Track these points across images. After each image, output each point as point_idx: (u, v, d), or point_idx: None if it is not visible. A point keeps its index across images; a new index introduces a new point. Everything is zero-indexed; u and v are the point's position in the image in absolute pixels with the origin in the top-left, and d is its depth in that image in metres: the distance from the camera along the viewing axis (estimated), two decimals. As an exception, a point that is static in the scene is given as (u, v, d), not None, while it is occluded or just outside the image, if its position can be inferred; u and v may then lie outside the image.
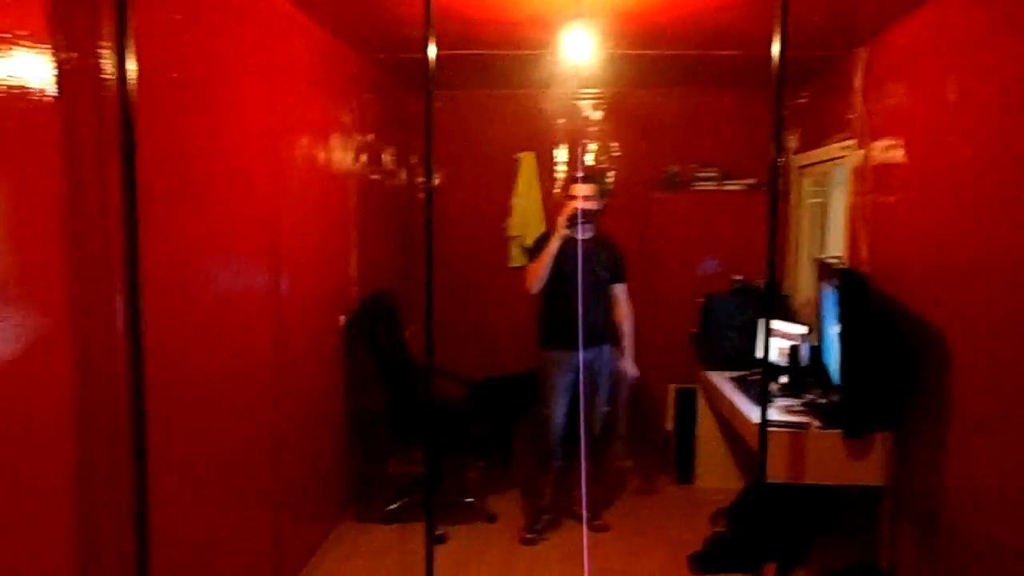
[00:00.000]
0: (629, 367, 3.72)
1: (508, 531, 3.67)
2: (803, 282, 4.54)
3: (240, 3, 2.56)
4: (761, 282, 4.44)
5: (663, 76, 4.51)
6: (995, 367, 2.33)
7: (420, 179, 5.03)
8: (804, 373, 3.48)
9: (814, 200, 4.50)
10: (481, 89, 4.92)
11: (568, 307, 3.34)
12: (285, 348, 2.92)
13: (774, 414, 3.17)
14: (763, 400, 2.04)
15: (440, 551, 3.41)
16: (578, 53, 3.40)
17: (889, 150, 3.12)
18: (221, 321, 2.42)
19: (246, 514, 2.66)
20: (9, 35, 1.49)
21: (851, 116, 3.52)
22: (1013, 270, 2.23)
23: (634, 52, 3.79)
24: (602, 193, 3.54)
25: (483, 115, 5.02)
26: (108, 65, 1.79)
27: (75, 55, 1.69)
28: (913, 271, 2.90)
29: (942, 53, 2.73)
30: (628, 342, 3.72)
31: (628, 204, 4.76)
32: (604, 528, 3.70)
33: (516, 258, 5.02)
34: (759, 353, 3.90)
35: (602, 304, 3.61)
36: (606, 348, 3.62)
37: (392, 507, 3.77)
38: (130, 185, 1.76)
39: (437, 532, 3.54)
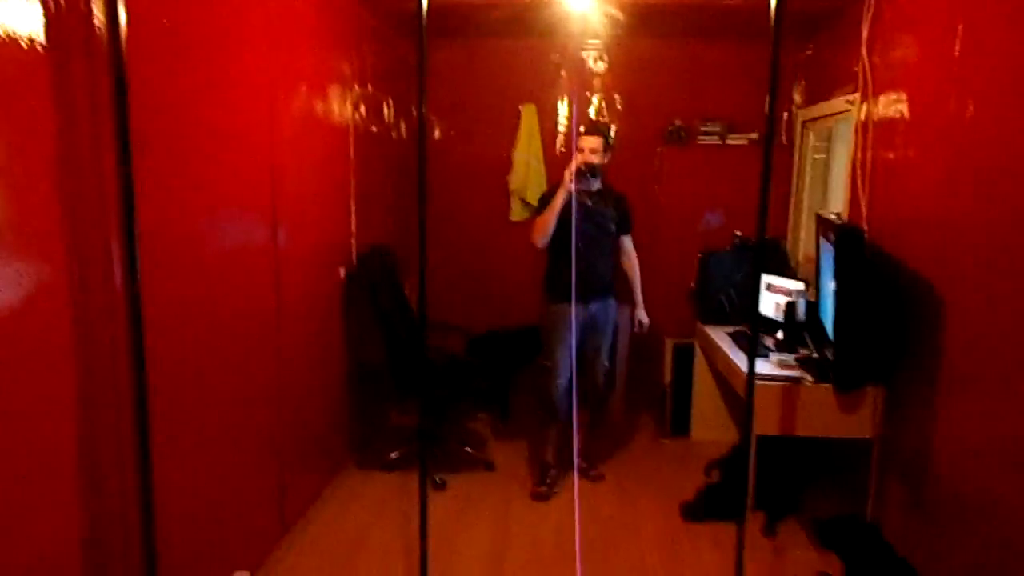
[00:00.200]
0: (640, 315, 3.78)
1: (506, 480, 3.75)
2: (804, 238, 4.54)
3: (233, -51, 2.52)
4: (763, 236, 4.44)
5: (667, 27, 4.43)
6: (987, 324, 2.34)
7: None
8: (800, 328, 3.50)
9: (818, 155, 4.47)
10: (482, 39, 4.84)
11: (574, 260, 3.33)
12: (285, 300, 2.95)
13: (768, 368, 3.21)
14: (751, 353, 2.06)
15: (438, 497, 3.50)
16: (580, 1, 3.33)
17: (892, 104, 3.08)
18: (220, 271, 2.44)
19: (250, 462, 2.73)
20: (-4, -19, 1.48)
21: (856, 69, 3.46)
22: (1010, 229, 2.22)
23: (635, 1, 3.71)
24: (607, 146, 3.50)
25: (484, 66, 4.95)
26: (98, 12, 1.77)
27: (64, 2, 1.67)
28: (911, 228, 2.89)
29: (949, 5, 2.68)
30: (637, 291, 3.76)
31: (631, 158, 4.72)
32: (600, 478, 3.78)
33: (517, 212, 5.01)
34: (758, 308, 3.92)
35: (609, 257, 3.61)
36: (611, 301, 3.64)
37: (392, 455, 3.85)
38: (123, 134, 1.76)
39: (436, 479, 3.63)
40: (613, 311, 3.66)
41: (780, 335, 3.56)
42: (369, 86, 4.10)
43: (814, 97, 4.38)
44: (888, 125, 3.13)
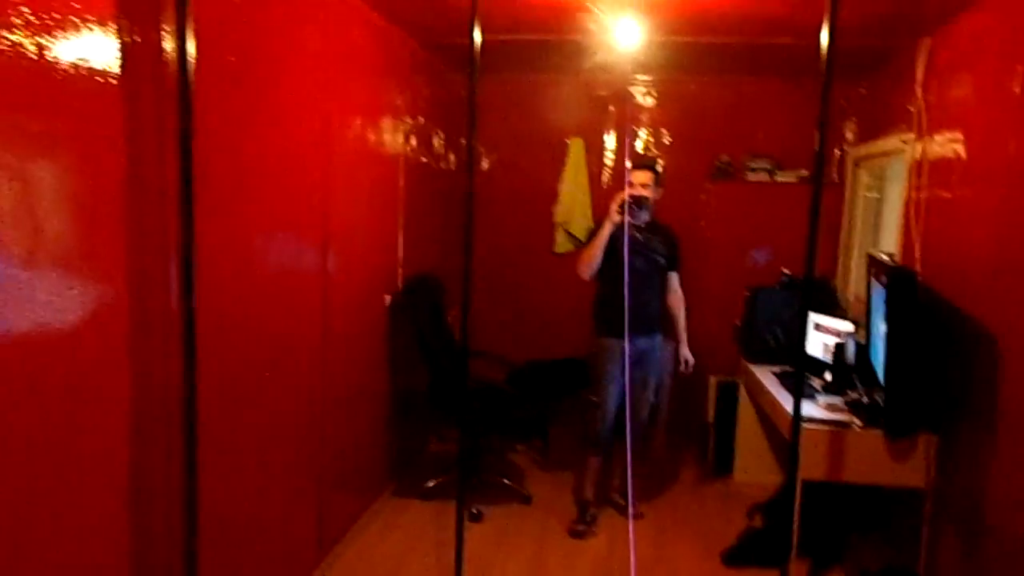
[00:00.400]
0: (685, 354, 3.73)
1: (543, 514, 3.71)
2: (854, 278, 4.44)
3: (296, -13, 2.63)
4: (811, 275, 4.36)
5: (716, 64, 4.44)
6: (1048, 372, 2.25)
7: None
8: (849, 371, 3.41)
9: (870, 194, 4.39)
10: (531, 74, 4.91)
11: (623, 294, 3.31)
12: (331, 325, 3.00)
13: (816, 411, 3.13)
14: (797, 395, 2.02)
15: (475, 529, 3.48)
16: (628, 39, 3.37)
17: (948, 144, 3.02)
18: (271, 297, 2.51)
19: (291, 484, 2.77)
20: (78, 17, 1.57)
21: (911, 108, 3.41)
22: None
23: (686, 39, 3.74)
24: (657, 181, 3.51)
25: (532, 100, 5.02)
26: (169, 46, 1.86)
27: (138, 37, 1.77)
28: (967, 271, 2.81)
29: (1008, 45, 2.63)
30: (682, 329, 3.71)
31: (677, 193, 4.70)
32: (639, 516, 3.71)
33: (561, 244, 5.03)
34: (803, 348, 3.84)
35: (658, 292, 3.59)
36: (659, 337, 3.60)
37: (430, 484, 3.85)
38: (187, 163, 1.84)
39: (473, 510, 3.61)
40: (661, 347, 3.62)
41: (828, 377, 3.47)
42: (420, 118, 4.19)
43: (867, 135, 4.31)
44: (944, 165, 3.06)
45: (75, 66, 1.57)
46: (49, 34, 1.49)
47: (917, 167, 3.31)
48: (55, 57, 1.51)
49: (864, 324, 3.45)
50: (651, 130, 4.98)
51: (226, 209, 2.18)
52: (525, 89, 5.00)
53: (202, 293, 1.96)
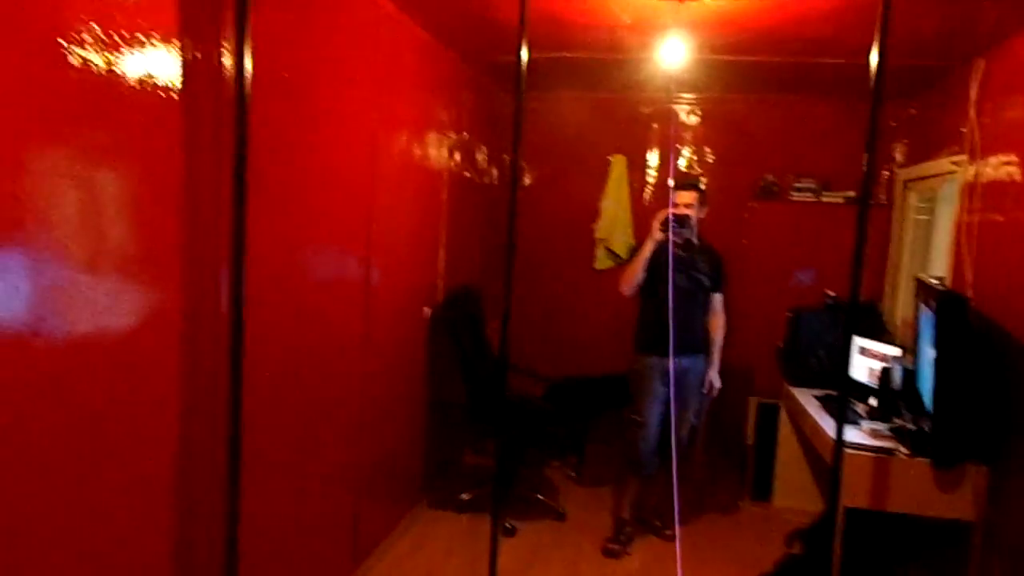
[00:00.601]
0: (713, 377, 3.66)
1: (577, 531, 3.69)
2: (902, 301, 4.33)
3: (347, 4, 2.70)
4: (857, 298, 4.27)
5: (761, 83, 4.41)
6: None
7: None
8: (895, 397, 3.33)
9: (919, 216, 4.29)
10: (575, 91, 4.94)
11: (665, 313, 3.29)
12: (372, 336, 3.05)
13: (860, 437, 3.06)
14: (840, 420, 1.99)
15: (508, 544, 3.48)
16: (674, 59, 3.38)
17: (1002, 167, 2.94)
18: (315, 306, 2.56)
19: (329, 493, 2.81)
20: (144, 34, 1.65)
21: (963, 130, 3.34)
22: None
23: (732, 58, 3.73)
24: (702, 201, 3.49)
25: (576, 117, 5.05)
26: (227, 62, 1.94)
27: (199, 53, 1.84)
28: (1020, 296, 2.73)
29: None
30: (716, 352, 3.65)
31: (721, 212, 4.67)
32: (671, 538, 3.66)
33: (601, 260, 5.02)
34: (847, 372, 3.76)
35: (702, 312, 3.56)
36: (701, 357, 3.57)
37: (465, 497, 3.86)
38: (241, 176, 1.90)
39: (507, 525, 3.61)
40: (703, 368, 3.59)
41: (873, 402, 3.39)
42: (465, 133, 4.25)
43: (917, 157, 4.23)
44: (997, 188, 2.98)
45: (140, 81, 1.64)
46: (117, 50, 1.57)
47: (969, 189, 3.24)
48: (121, 72, 1.59)
49: (911, 349, 3.37)
50: (695, 148, 4.95)
51: (276, 220, 2.25)
52: (569, 106, 5.03)
53: (250, 300, 2.02)
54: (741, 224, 4.75)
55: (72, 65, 1.46)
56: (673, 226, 3.35)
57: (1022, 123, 2.85)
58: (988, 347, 2.69)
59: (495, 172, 4.96)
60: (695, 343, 3.51)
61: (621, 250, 4.86)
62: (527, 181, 5.12)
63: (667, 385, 3.43)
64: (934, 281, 3.23)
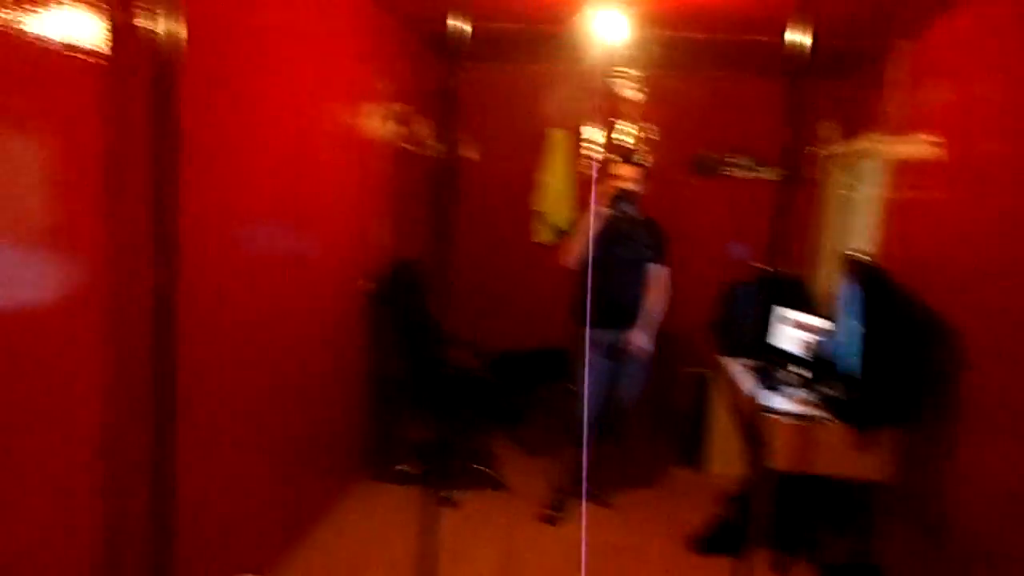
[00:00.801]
0: (635, 337, 3.57)
1: (517, 500, 3.76)
2: (829, 275, 4.52)
3: (283, -31, 2.61)
4: (786, 271, 4.44)
5: (699, 60, 4.48)
6: (1012, 371, 2.33)
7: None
8: (823, 366, 3.48)
9: (845, 193, 4.46)
10: (517, 64, 4.92)
11: (606, 285, 3.32)
12: (311, 309, 3.01)
13: (787, 405, 3.19)
14: (763, 384, 2.07)
15: (448, 514, 3.52)
16: (612, 32, 3.40)
17: (920, 145, 3.08)
18: (250, 280, 2.51)
19: (267, 467, 2.78)
20: (62, -6, 1.56)
21: (888, 109, 3.47)
22: (1035, 275, 2.22)
23: (670, 34, 3.77)
24: (642, 174, 3.55)
25: (517, 89, 5.03)
26: (157, 28, 1.85)
27: (127, 17, 1.76)
28: (935, 268, 2.88)
29: (985, 50, 2.69)
30: (644, 316, 3.63)
31: (659, 187, 4.74)
32: (608, 504, 3.77)
33: (542, 233, 5.06)
34: (772, 341, 3.91)
35: (640, 284, 3.61)
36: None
37: (406, 469, 3.88)
38: (171, 145, 1.84)
39: (447, 495, 3.65)
40: (641, 339, 3.66)
41: (802, 371, 3.54)
42: (407, 105, 4.18)
43: (844, 135, 4.38)
44: (915, 165, 3.13)
45: (62, 44, 1.56)
46: (36, 11, 1.48)
47: (890, 167, 3.38)
48: (41, 34, 1.50)
49: (838, 320, 3.52)
50: (635, 124, 5.00)
51: (207, 190, 2.18)
52: (511, 79, 5.00)
53: (181, 275, 1.96)
54: (678, 199, 4.84)
55: (-17, 25, 1.38)
56: (617, 200, 3.41)
57: (941, 104, 2.99)
58: (905, 316, 2.84)
59: (438, 145, 4.90)
60: (632, 315, 3.58)
61: (561, 223, 4.89)
62: (469, 154, 5.09)
63: (605, 356, 3.50)
64: (859, 255, 3.38)
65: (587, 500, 3.68)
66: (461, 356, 4.27)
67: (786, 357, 3.72)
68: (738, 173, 4.75)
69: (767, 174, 4.72)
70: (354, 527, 3.35)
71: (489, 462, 4.18)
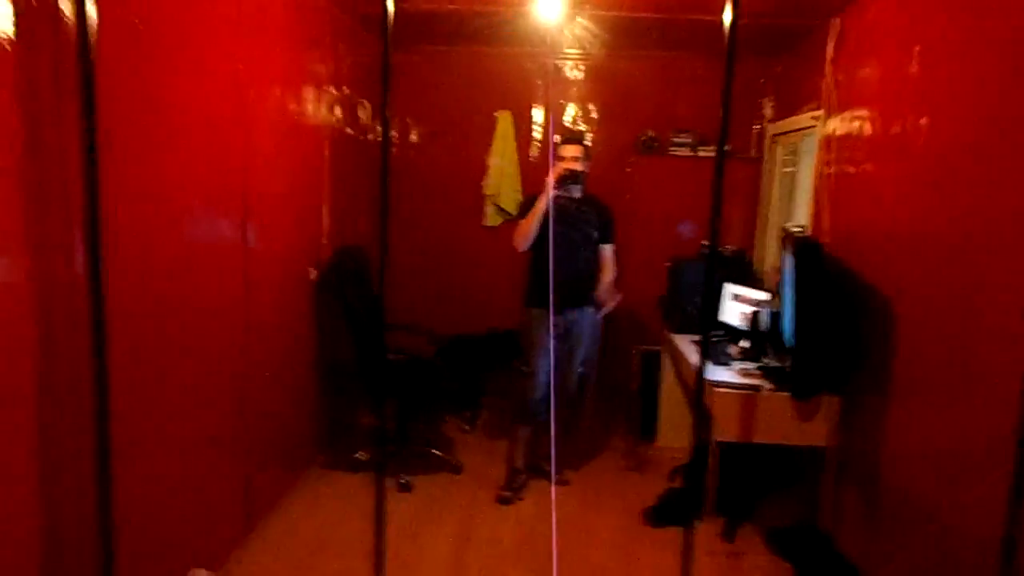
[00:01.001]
0: (603, 292, 3.59)
1: (472, 483, 3.78)
2: (770, 250, 4.62)
3: (209, -51, 2.54)
4: (730, 248, 4.53)
5: (640, 40, 4.50)
6: (936, 337, 2.42)
7: (395, 134, 5.02)
8: (764, 338, 3.57)
9: (786, 169, 4.56)
10: (459, 46, 4.88)
11: (557, 266, 3.32)
12: (254, 299, 2.96)
13: (730, 376, 3.28)
14: (704, 355, 2.13)
15: (404, 499, 3.52)
16: (552, 12, 3.40)
17: (854, 121, 3.17)
18: (187, 268, 2.45)
19: (215, 460, 2.73)
20: (-36, -25, 1.49)
21: (821, 86, 3.56)
22: (961, 244, 2.31)
23: (610, 14, 3.79)
24: (587, 154, 3.57)
25: (461, 72, 4.99)
26: (67, 9, 1.79)
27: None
28: (867, 241, 2.98)
29: (907, 27, 2.77)
30: (604, 287, 3.64)
31: (604, 167, 4.78)
32: (565, 482, 3.82)
33: (491, 217, 5.05)
34: (718, 316, 4.00)
35: (590, 264, 3.64)
36: (589, 309, 3.66)
37: (360, 456, 3.86)
38: (89, 129, 1.77)
39: (403, 481, 3.65)
40: (591, 318, 3.70)
41: (744, 344, 3.63)
42: (345, 88, 4.12)
43: (783, 112, 4.47)
44: (850, 141, 3.22)
45: (-38, 26, 1.49)
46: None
47: (826, 143, 3.47)
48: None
49: (778, 294, 3.61)
50: (578, 104, 5.03)
51: (135, 179, 2.12)
52: (453, 61, 4.96)
53: (112, 267, 1.91)
54: (623, 178, 4.89)
55: None
56: (565, 181, 3.44)
57: (872, 80, 3.07)
58: (840, 288, 2.93)
59: (379, 129, 4.85)
60: (583, 295, 3.61)
61: (510, 206, 4.90)
62: (413, 138, 5.05)
63: (558, 337, 3.53)
64: (795, 229, 3.47)
65: (545, 479, 3.72)
66: (414, 342, 4.26)
67: (731, 331, 3.81)
68: (681, 152, 4.81)
69: (708, 152, 4.79)
70: (308, 516, 3.33)
71: (445, 446, 4.19)
